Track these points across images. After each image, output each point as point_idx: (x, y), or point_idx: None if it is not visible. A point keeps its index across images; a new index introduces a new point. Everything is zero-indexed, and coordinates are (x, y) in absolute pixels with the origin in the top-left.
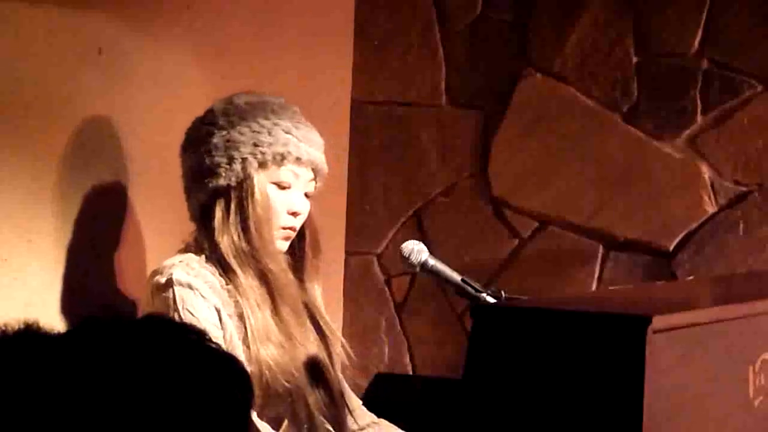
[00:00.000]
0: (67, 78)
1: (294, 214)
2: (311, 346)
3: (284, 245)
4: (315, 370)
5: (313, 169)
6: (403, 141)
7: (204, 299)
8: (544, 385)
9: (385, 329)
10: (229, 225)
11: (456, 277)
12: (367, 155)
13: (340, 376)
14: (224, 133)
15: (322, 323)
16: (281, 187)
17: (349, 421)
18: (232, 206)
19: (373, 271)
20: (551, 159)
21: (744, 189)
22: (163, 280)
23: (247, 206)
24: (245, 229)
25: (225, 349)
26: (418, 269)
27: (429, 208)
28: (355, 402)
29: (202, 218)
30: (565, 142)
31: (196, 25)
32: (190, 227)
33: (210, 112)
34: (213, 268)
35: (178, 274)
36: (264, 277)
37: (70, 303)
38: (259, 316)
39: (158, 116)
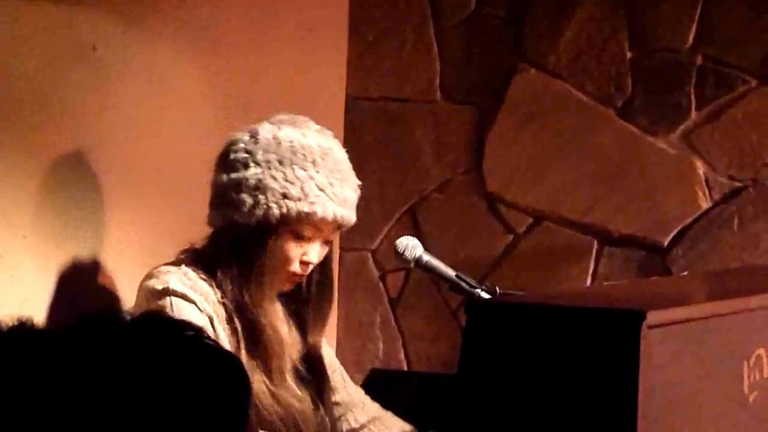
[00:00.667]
0: (62, 75)
1: (306, 263)
2: (297, 395)
3: (289, 287)
4: (300, 416)
5: (337, 225)
6: (398, 137)
7: (200, 311)
8: (538, 381)
9: (379, 325)
10: (233, 265)
11: (450, 272)
12: (362, 151)
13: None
14: (259, 171)
15: (320, 371)
16: (300, 237)
17: (350, 418)
18: (242, 246)
19: (367, 267)
20: (546, 154)
21: (738, 184)
22: (159, 287)
23: (257, 253)
24: (247, 277)
25: (223, 347)
26: (412, 265)
27: (423, 204)
28: (356, 399)
29: (214, 236)
30: (560, 137)
31: (190, 22)
32: (185, 225)
33: (254, 136)
34: (210, 279)
35: (174, 284)
36: (253, 329)
37: (66, 300)
38: (250, 364)
39: (152, 112)
